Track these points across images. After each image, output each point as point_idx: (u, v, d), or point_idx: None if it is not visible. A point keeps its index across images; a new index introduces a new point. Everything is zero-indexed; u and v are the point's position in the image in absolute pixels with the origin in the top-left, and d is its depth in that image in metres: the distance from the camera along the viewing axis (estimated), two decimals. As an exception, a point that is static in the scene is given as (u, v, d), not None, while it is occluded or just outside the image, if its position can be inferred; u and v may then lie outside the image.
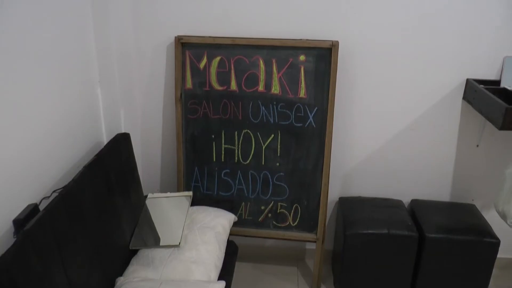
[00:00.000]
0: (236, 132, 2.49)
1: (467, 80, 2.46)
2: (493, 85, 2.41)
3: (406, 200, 2.68)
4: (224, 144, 2.52)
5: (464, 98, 2.48)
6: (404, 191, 2.68)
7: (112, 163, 2.05)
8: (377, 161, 2.64)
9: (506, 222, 2.31)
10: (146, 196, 2.39)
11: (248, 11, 2.38)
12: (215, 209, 2.35)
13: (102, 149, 2.05)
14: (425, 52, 2.41)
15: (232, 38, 2.39)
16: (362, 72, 2.46)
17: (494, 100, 2.20)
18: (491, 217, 2.51)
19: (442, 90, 2.48)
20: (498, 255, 2.40)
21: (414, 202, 2.65)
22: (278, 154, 2.50)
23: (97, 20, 2.15)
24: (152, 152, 2.69)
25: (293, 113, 2.43)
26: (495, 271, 2.47)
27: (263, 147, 2.50)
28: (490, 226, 2.45)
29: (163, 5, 2.40)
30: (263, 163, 2.52)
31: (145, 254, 2.01)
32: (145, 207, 2.30)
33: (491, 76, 2.45)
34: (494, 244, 2.37)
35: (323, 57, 2.36)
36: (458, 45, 2.40)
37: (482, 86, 2.37)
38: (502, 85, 2.41)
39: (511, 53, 2.40)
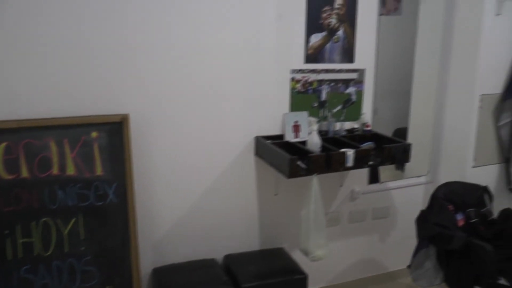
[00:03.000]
0: (33, 223, 2.30)
1: (256, 137, 2.68)
2: (278, 139, 2.68)
3: (220, 256, 2.76)
4: (21, 238, 2.31)
5: (256, 154, 2.70)
6: (218, 248, 2.76)
7: None
8: (186, 225, 2.68)
9: (308, 258, 2.56)
10: None
11: (36, 89, 2.26)
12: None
13: None
14: (215, 116, 2.58)
15: (18, 120, 2.24)
16: (159, 141, 2.51)
17: (279, 153, 2.44)
18: (299, 256, 2.72)
19: (236, 149, 2.67)
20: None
21: (228, 257, 2.74)
22: (82, 238, 2.38)
23: None
24: None
25: (93, 192, 2.36)
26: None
27: (65, 233, 2.36)
28: (298, 264, 2.66)
29: None
30: (66, 250, 2.37)
31: None
32: None
33: (276, 131, 2.72)
34: (302, 279, 2.59)
35: (115, 131, 2.36)
36: (244, 107, 2.63)
37: (269, 141, 2.61)
38: (286, 138, 2.69)
39: (287, 110, 2.72)
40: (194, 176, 2.63)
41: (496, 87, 3.11)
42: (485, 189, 2.91)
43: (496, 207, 2.94)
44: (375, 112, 3.11)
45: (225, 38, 2.52)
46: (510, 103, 3.14)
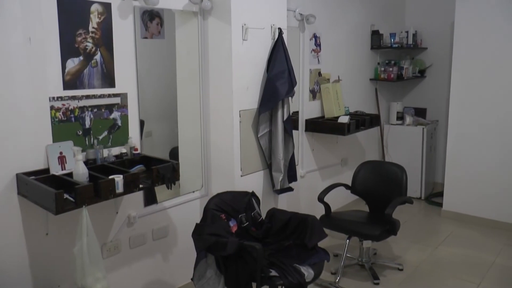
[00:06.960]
0: None
1: (17, 175, 2.47)
2: (44, 174, 2.51)
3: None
4: None
5: (19, 193, 2.48)
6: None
7: None
8: None
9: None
10: None
11: None
12: None
13: None
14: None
15: None
16: None
17: (44, 189, 2.29)
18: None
19: (-6, 190, 2.41)
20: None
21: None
22: None
23: None
24: None
25: None
26: None
27: None
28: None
29: None
30: None
31: None
32: None
33: (42, 165, 2.55)
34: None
35: None
36: (-1, 143, 2.40)
37: (32, 177, 2.43)
38: (51, 172, 2.53)
39: (51, 141, 2.57)
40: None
41: (252, 103, 3.48)
42: (252, 194, 3.22)
43: (265, 208, 3.28)
44: (148, 134, 3.16)
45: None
46: (265, 116, 3.55)
